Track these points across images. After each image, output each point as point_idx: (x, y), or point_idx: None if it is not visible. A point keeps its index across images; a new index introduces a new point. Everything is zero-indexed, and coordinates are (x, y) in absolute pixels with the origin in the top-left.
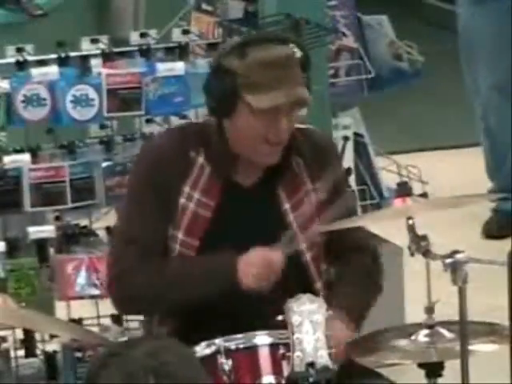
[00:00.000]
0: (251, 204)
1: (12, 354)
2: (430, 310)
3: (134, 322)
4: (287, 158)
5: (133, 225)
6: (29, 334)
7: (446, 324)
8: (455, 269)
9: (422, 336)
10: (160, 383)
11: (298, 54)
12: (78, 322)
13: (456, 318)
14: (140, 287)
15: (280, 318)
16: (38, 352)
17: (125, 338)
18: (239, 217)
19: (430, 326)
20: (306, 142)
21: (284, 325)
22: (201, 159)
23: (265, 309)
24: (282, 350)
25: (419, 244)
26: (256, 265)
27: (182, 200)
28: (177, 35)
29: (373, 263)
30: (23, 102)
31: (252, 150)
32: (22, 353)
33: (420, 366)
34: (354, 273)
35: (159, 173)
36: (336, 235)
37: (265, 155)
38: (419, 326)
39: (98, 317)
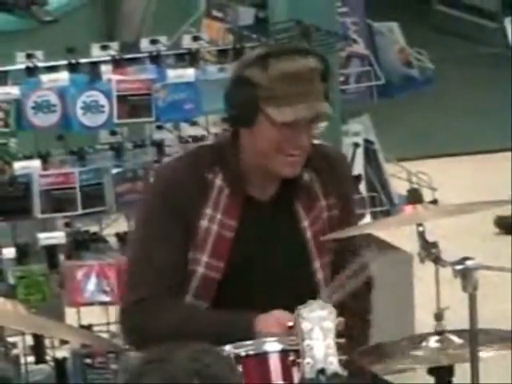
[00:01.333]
0: (270, 219)
1: (22, 360)
2: (439, 316)
3: None
4: (301, 172)
5: (151, 251)
6: (38, 341)
7: (455, 332)
8: (465, 275)
9: (432, 342)
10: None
11: (320, 66)
12: (88, 328)
13: (466, 324)
14: (155, 325)
15: (290, 324)
16: (48, 358)
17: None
18: (261, 234)
19: (440, 333)
20: (319, 158)
21: (294, 331)
22: (218, 180)
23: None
24: (292, 357)
25: (429, 251)
26: (273, 331)
27: (205, 222)
28: (187, 42)
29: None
30: (33, 108)
31: (272, 162)
32: (31, 359)
33: (430, 372)
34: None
35: (176, 198)
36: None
37: (285, 166)
38: (430, 335)
39: (108, 323)
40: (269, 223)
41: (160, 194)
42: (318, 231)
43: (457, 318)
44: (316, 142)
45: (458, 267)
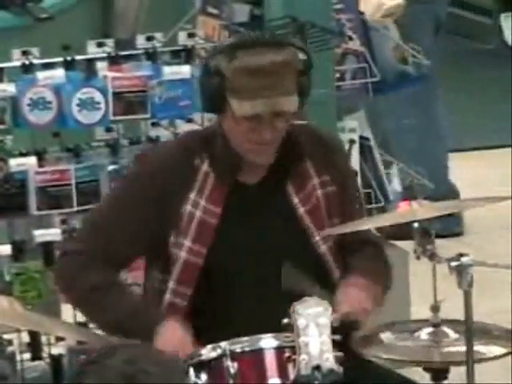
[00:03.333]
0: (259, 201)
1: (18, 357)
2: (435, 308)
3: None
4: (293, 153)
5: (111, 216)
6: (34, 337)
7: (451, 323)
8: (461, 272)
9: (426, 334)
10: None
11: (296, 58)
12: (84, 325)
13: (460, 319)
14: (78, 280)
15: (286, 321)
16: (44, 355)
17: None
18: (247, 219)
19: (436, 325)
20: (309, 137)
21: (290, 328)
22: (205, 166)
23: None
24: (287, 353)
25: (425, 247)
26: (167, 348)
27: (188, 207)
28: (183, 38)
29: (380, 254)
30: (29, 105)
31: (242, 150)
32: (27, 356)
33: (425, 369)
34: (365, 258)
35: (160, 181)
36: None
37: (255, 155)
38: (425, 323)
39: None
40: (256, 206)
41: (144, 175)
42: (313, 208)
43: (452, 313)
44: (303, 122)
45: (454, 264)
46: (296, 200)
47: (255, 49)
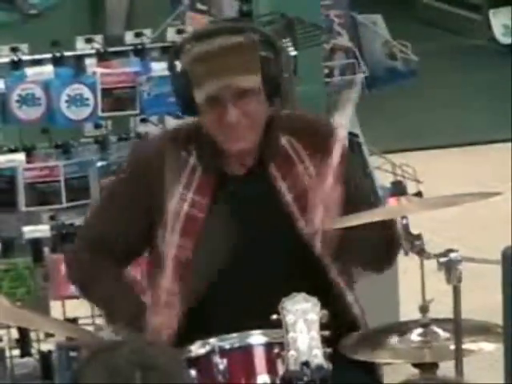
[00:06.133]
0: (246, 191)
1: (7, 353)
2: (424, 309)
3: None
4: (274, 139)
5: (100, 217)
6: (24, 334)
7: (440, 322)
8: (449, 268)
9: (416, 335)
10: (147, 376)
11: (254, 41)
12: (73, 321)
13: (450, 316)
14: (77, 279)
15: (274, 317)
16: (33, 351)
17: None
18: (235, 208)
19: (425, 325)
20: (299, 123)
21: (279, 324)
22: (192, 159)
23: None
24: (276, 349)
25: (413, 243)
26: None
27: (176, 201)
28: (171, 35)
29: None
30: (18, 101)
31: (218, 140)
32: (17, 352)
33: (414, 365)
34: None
35: (146, 175)
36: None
37: (229, 142)
38: (414, 324)
39: (93, 316)
40: (244, 195)
41: (131, 168)
42: (301, 192)
43: (442, 310)
44: (299, 111)
45: (442, 259)
46: (283, 186)
47: (207, 38)
